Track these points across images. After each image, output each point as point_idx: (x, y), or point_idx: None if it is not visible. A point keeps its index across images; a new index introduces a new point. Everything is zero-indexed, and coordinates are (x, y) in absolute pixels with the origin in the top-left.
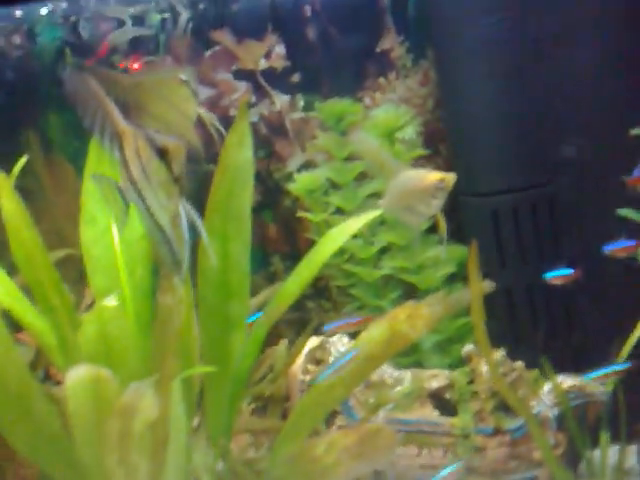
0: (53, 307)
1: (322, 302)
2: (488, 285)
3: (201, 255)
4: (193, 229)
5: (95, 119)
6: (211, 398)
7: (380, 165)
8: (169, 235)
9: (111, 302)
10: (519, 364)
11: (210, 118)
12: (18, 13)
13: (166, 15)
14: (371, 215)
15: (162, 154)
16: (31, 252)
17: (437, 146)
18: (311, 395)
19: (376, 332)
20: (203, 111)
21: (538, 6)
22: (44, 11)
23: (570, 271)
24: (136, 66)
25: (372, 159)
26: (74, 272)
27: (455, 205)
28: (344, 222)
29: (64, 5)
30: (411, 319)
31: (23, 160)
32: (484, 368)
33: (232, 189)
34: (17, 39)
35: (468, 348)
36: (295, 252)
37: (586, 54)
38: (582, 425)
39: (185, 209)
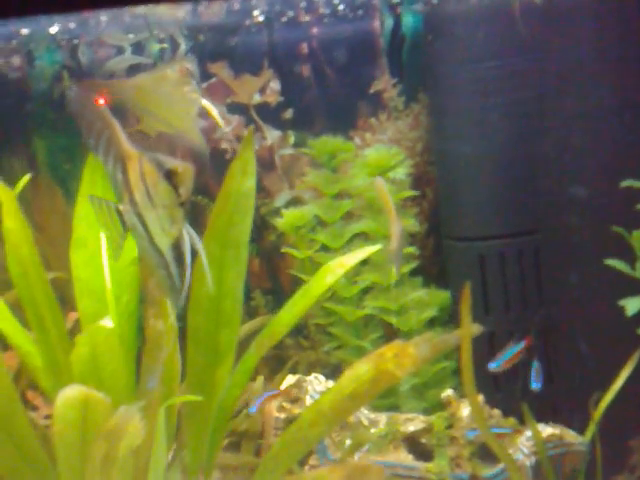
0: (45, 326)
1: (300, 340)
2: (477, 328)
3: (195, 281)
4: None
5: (100, 140)
6: (193, 429)
7: (388, 212)
8: (168, 259)
9: (107, 323)
10: (496, 412)
11: (211, 108)
12: (23, 32)
13: (165, 45)
14: (368, 251)
15: (170, 177)
16: (28, 269)
17: (423, 189)
18: (292, 431)
19: (362, 370)
20: (205, 102)
21: (531, 54)
22: (44, 33)
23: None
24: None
25: (384, 205)
26: (57, 296)
27: (439, 249)
28: (342, 256)
29: (65, 29)
30: (398, 358)
31: (27, 178)
32: (464, 413)
33: (232, 217)
34: (16, 60)
35: (448, 392)
36: (277, 287)
37: (579, 104)
38: (558, 475)
39: (188, 233)
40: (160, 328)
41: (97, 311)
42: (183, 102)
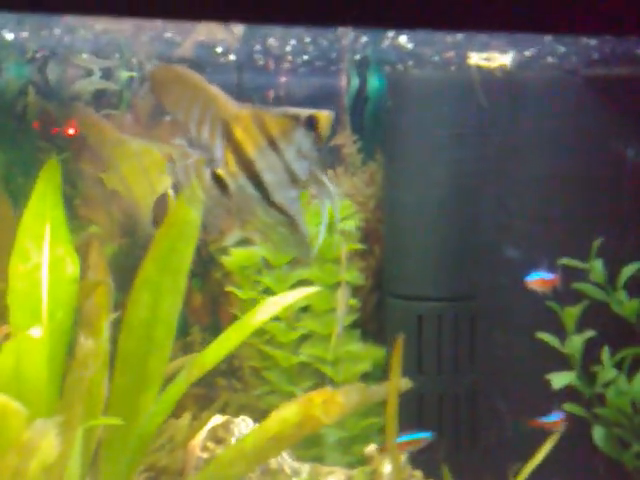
0: None
1: (233, 381)
2: (406, 383)
3: (129, 305)
4: None
5: (192, 110)
6: (110, 455)
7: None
8: (292, 213)
9: (35, 333)
10: (417, 473)
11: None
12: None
13: (134, 74)
14: (308, 291)
15: (312, 123)
16: None
17: (372, 246)
18: (210, 469)
19: (289, 413)
20: (171, 193)
21: (485, 125)
22: (16, 45)
23: None
24: (71, 131)
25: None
26: None
27: (380, 306)
28: (279, 295)
29: (37, 44)
30: (326, 404)
31: None
32: (386, 469)
33: (175, 244)
34: None
35: (371, 448)
36: (216, 325)
37: (528, 173)
38: None
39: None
40: (90, 346)
41: (29, 325)
42: (152, 182)
